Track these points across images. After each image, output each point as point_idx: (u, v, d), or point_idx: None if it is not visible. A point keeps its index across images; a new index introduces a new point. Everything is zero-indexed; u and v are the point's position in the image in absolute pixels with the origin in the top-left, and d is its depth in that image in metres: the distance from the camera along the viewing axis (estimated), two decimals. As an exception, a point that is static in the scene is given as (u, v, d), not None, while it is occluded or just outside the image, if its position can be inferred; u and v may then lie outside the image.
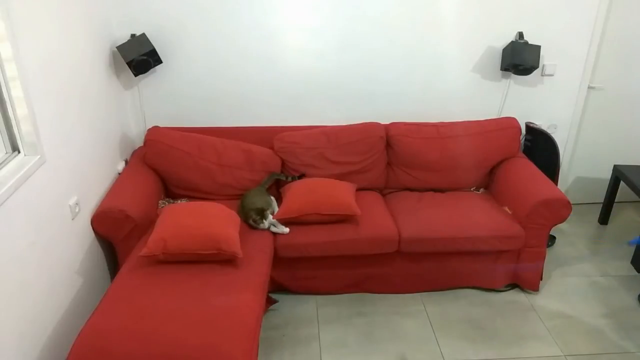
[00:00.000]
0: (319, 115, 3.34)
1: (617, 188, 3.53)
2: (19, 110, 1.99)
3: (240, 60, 3.14)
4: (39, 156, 2.07)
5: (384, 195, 3.20)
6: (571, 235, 3.55)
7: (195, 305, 2.05)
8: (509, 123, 3.19)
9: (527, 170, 3.04)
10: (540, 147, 3.28)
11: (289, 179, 3.05)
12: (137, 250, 2.44)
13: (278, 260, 2.72)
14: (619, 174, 3.43)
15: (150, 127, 3.06)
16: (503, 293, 2.96)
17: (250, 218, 2.67)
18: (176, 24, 3.02)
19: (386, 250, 2.75)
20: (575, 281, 3.08)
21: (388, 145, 3.17)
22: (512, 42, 3.15)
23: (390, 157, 3.18)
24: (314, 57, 3.18)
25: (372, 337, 2.64)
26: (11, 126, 2.01)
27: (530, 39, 3.21)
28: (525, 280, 2.92)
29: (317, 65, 3.20)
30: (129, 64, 2.88)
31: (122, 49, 2.88)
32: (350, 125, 3.17)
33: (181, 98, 3.22)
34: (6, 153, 2.03)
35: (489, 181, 3.26)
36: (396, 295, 2.94)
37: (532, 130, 3.35)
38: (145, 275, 2.24)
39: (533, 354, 2.54)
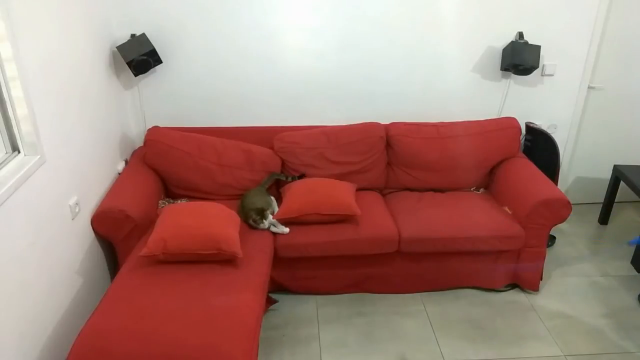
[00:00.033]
0: (319, 115, 3.34)
1: (617, 188, 3.53)
2: (19, 110, 1.99)
3: (240, 60, 3.14)
4: (39, 156, 2.07)
5: (384, 195, 3.20)
6: (571, 235, 3.55)
7: (195, 305, 2.05)
8: (509, 123, 3.19)
9: (527, 170, 3.04)
10: (540, 147, 3.28)
11: (289, 179, 3.05)
12: (137, 250, 2.44)
13: (278, 260, 2.72)
14: (619, 174, 3.43)
15: (150, 127, 3.06)
16: (503, 293, 2.97)
17: (250, 218, 2.67)
18: (176, 24, 3.02)
19: (386, 250, 2.75)
20: (575, 281, 3.08)
21: (388, 145, 3.17)
22: (512, 42, 3.15)
23: (390, 157, 3.18)
24: (314, 57, 3.18)
25: (372, 337, 2.64)
26: (11, 126, 2.01)
27: (530, 39, 3.21)
28: (525, 280, 2.92)
29: (317, 65, 3.20)
30: (129, 64, 2.88)
31: (122, 49, 2.88)
32: (350, 125, 3.17)
33: (181, 98, 3.22)
34: (6, 153, 2.03)
35: (489, 181, 3.26)
36: (396, 295, 2.94)
37: (532, 130, 3.35)
38: (145, 275, 2.24)
39: (533, 354, 2.54)
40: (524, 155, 3.28)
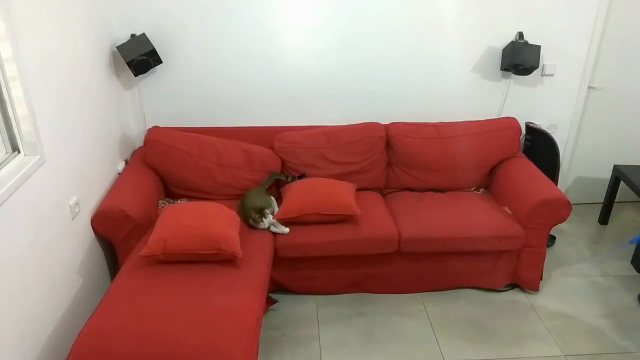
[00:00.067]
0: (319, 115, 3.34)
1: (617, 188, 3.53)
2: (19, 110, 1.99)
3: (240, 60, 3.14)
4: (39, 156, 2.07)
5: (384, 195, 3.20)
6: (571, 235, 3.55)
7: (195, 305, 2.05)
8: (509, 123, 3.19)
9: (527, 170, 3.04)
10: (540, 147, 3.28)
11: (289, 179, 3.05)
12: (137, 250, 2.44)
13: (278, 260, 2.72)
14: (619, 174, 3.43)
15: (150, 127, 3.06)
16: (503, 293, 2.97)
17: (250, 217, 2.67)
18: (176, 24, 3.02)
19: (386, 250, 2.75)
20: (575, 281, 3.08)
21: (388, 145, 3.17)
22: (512, 42, 3.15)
23: (390, 157, 3.18)
24: (314, 57, 3.18)
25: (372, 337, 2.64)
26: (11, 126, 2.01)
27: (530, 39, 3.21)
28: (525, 280, 2.92)
29: (317, 65, 3.20)
30: (129, 64, 2.88)
31: (122, 49, 2.88)
32: (350, 125, 3.17)
33: (181, 98, 3.22)
34: (6, 153, 2.03)
35: (489, 181, 3.26)
36: (396, 295, 2.94)
37: (532, 130, 3.35)
38: (145, 275, 2.24)
39: (533, 354, 2.54)
40: (524, 155, 3.28)
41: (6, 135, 2.02)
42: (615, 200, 3.63)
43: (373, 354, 2.53)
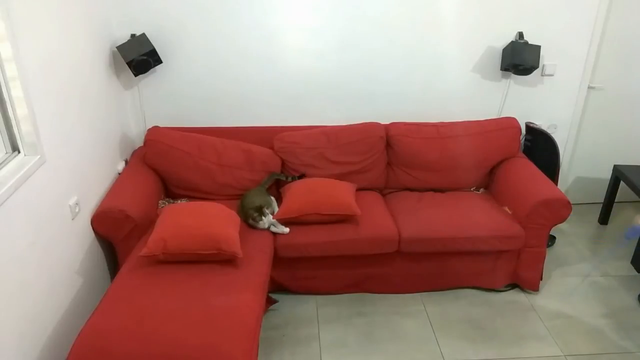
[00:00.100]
0: (319, 115, 3.34)
1: (617, 188, 3.53)
2: (19, 110, 1.99)
3: (240, 60, 3.14)
4: (39, 156, 2.07)
5: (384, 195, 3.20)
6: (571, 235, 3.55)
7: (195, 305, 2.05)
8: (509, 123, 3.19)
9: (527, 170, 3.04)
10: (540, 147, 3.28)
11: (289, 179, 3.05)
12: (137, 250, 2.44)
13: (278, 260, 2.72)
14: (619, 174, 3.43)
15: (150, 127, 3.06)
16: (503, 293, 2.97)
17: (250, 217, 2.67)
18: (176, 24, 3.02)
19: (386, 250, 2.75)
20: (575, 281, 3.08)
21: (388, 145, 3.17)
22: (512, 42, 3.15)
23: (390, 157, 3.18)
24: (314, 57, 3.18)
25: (372, 337, 2.64)
26: (11, 126, 2.01)
27: (530, 39, 3.21)
28: (525, 280, 2.92)
29: (317, 65, 3.20)
30: (129, 64, 2.88)
31: (122, 49, 2.88)
32: (350, 125, 3.17)
33: (181, 98, 3.22)
34: (6, 153, 2.03)
35: (489, 181, 3.26)
36: (396, 295, 2.94)
37: (532, 130, 3.35)
38: (145, 275, 2.24)
39: (533, 354, 2.54)
40: (524, 155, 3.28)
41: (6, 135, 2.02)
42: (615, 200, 3.63)
43: (373, 354, 2.53)
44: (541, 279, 2.96)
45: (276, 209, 2.87)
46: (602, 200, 3.73)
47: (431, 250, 2.77)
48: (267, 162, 3.04)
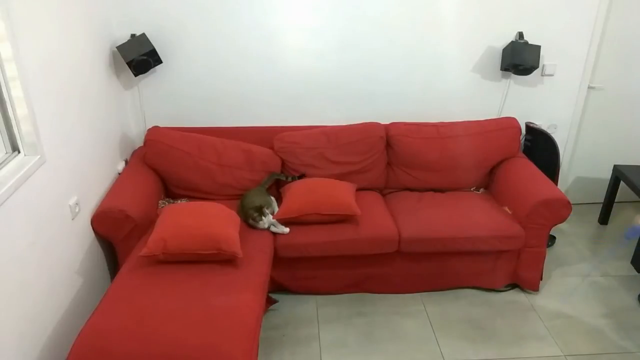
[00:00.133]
0: (319, 115, 3.34)
1: (617, 188, 3.53)
2: (19, 110, 1.99)
3: (240, 60, 3.14)
4: (39, 156, 2.07)
5: (384, 195, 3.20)
6: (571, 235, 3.55)
7: (195, 305, 2.05)
8: (509, 123, 3.19)
9: (527, 170, 3.04)
10: (540, 147, 3.28)
11: (289, 179, 3.05)
12: (137, 250, 2.44)
13: (278, 260, 2.72)
14: (619, 174, 3.43)
15: (150, 127, 3.07)
16: (503, 293, 2.97)
17: (250, 217, 2.67)
18: (176, 24, 3.02)
19: (386, 250, 2.75)
20: (575, 281, 3.08)
21: (388, 145, 3.17)
22: (512, 42, 3.15)
23: (390, 157, 3.18)
24: (314, 57, 3.18)
25: (372, 337, 2.64)
26: (11, 126, 2.01)
27: (530, 39, 3.21)
28: (525, 280, 2.92)
29: (317, 65, 3.20)
30: (129, 64, 2.88)
31: (122, 49, 2.88)
32: (350, 125, 3.17)
33: (181, 98, 3.22)
34: (6, 153, 2.03)
35: (489, 181, 3.26)
36: (396, 295, 2.94)
37: (532, 130, 3.35)
38: (145, 275, 2.24)
39: (533, 354, 2.54)
40: (524, 155, 3.28)
41: (6, 135, 2.02)
42: (615, 200, 3.63)
43: (373, 354, 2.53)
44: (541, 279, 2.96)
45: (276, 209, 2.87)
46: (602, 200, 3.73)
47: (431, 250, 2.77)
48: (267, 162, 3.04)
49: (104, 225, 2.53)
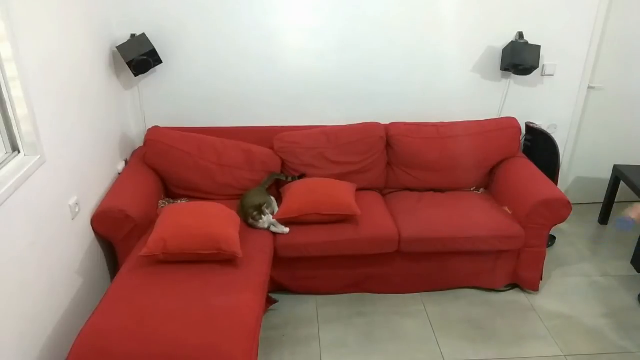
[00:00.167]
0: (319, 115, 3.34)
1: (617, 188, 3.53)
2: (19, 110, 1.99)
3: (240, 60, 3.14)
4: (39, 156, 2.07)
5: (384, 195, 3.20)
6: (571, 235, 3.55)
7: (195, 305, 2.05)
8: (509, 123, 3.19)
9: (527, 170, 3.04)
10: (540, 147, 3.28)
11: (289, 179, 3.05)
12: (137, 250, 2.44)
13: (278, 260, 2.72)
14: (619, 174, 3.43)
15: (150, 127, 3.06)
16: (503, 293, 2.96)
17: (250, 216, 2.67)
18: (176, 24, 3.02)
19: (386, 250, 2.75)
20: (575, 281, 3.08)
21: (388, 145, 3.17)
22: (512, 42, 3.15)
23: (390, 157, 3.18)
24: (314, 57, 3.18)
25: (372, 337, 2.64)
26: (11, 126, 2.01)
27: (530, 39, 3.21)
28: (525, 280, 2.92)
29: (317, 65, 3.20)
30: (129, 64, 2.88)
31: (122, 49, 2.88)
32: (350, 125, 3.17)
33: (181, 98, 3.22)
34: (6, 153, 2.03)
35: (489, 181, 3.26)
36: (396, 295, 2.94)
37: (532, 130, 3.35)
38: (145, 275, 2.24)
39: (533, 354, 2.54)
40: (524, 155, 3.28)
41: (6, 135, 2.02)
42: (615, 200, 3.63)
43: (373, 354, 2.53)
44: (541, 279, 2.96)
45: (276, 209, 2.87)
46: (602, 200, 3.73)
47: (431, 250, 2.77)
48: (267, 162, 3.04)
49: (104, 225, 2.53)
